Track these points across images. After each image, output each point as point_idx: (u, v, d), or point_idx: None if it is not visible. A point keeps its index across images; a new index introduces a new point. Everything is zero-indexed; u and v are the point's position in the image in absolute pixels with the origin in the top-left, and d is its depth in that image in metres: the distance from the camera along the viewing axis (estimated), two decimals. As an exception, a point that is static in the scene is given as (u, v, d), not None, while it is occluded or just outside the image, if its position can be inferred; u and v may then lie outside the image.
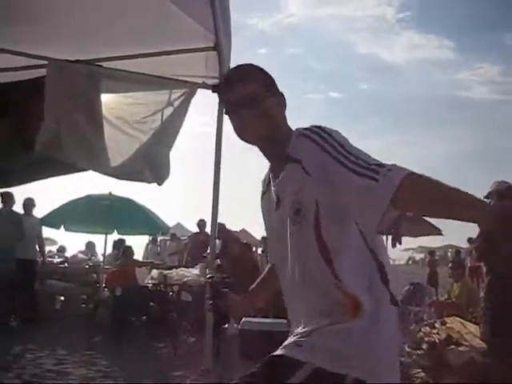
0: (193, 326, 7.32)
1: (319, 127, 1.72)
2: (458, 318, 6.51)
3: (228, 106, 1.81)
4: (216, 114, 3.39)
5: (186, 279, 8.18)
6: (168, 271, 8.89)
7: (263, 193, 1.99)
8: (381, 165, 1.58)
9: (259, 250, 19.16)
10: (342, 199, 1.63)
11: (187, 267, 9.14)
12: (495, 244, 4.14)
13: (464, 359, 5.29)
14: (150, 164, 3.40)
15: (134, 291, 8.33)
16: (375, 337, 1.69)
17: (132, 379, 5.63)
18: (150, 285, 8.86)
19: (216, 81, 3.37)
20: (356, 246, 1.72)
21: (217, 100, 3.37)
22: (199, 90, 3.51)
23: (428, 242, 31.19)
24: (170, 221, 14.24)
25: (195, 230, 12.07)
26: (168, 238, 16.04)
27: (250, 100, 1.76)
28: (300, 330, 1.80)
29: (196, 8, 3.00)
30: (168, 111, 3.48)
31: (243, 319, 6.88)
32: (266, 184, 1.95)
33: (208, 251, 11.28)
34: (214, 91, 3.39)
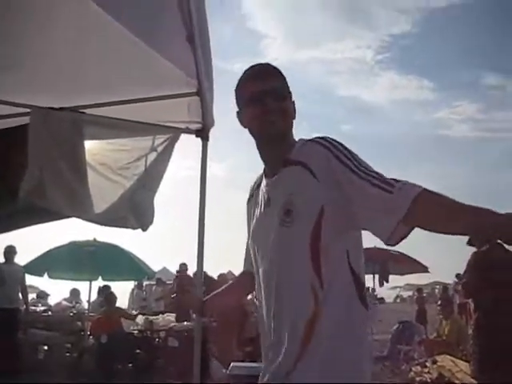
0: (181, 371, 7.17)
1: (329, 137, 1.74)
2: (448, 356, 6.48)
3: (254, 94, 1.81)
4: (200, 157, 3.40)
5: (172, 325, 8.06)
6: (154, 317, 8.77)
7: (250, 196, 2.01)
8: (394, 179, 1.58)
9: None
10: (350, 206, 1.62)
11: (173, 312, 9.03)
12: (483, 281, 4.16)
13: (456, 398, 5.23)
14: (134, 210, 3.39)
15: (119, 338, 8.19)
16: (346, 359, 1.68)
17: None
18: (135, 331, 8.72)
19: (199, 125, 3.39)
20: (343, 258, 1.72)
21: (200, 144, 3.40)
22: (183, 134, 3.53)
23: (415, 280, 31.08)
24: (155, 265, 14.14)
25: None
26: (154, 282, 15.87)
27: (279, 92, 1.81)
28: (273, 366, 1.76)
29: (177, 53, 3.04)
30: (152, 156, 3.49)
31: (232, 364, 6.76)
32: (255, 188, 1.97)
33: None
34: (197, 136, 3.41)
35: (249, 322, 9.56)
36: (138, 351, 8.38)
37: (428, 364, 6.43)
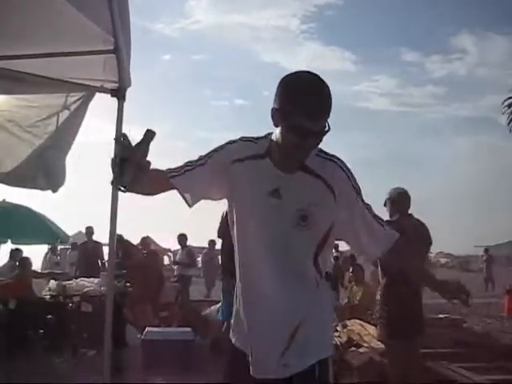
0: (94, 337, 7.06)
1: (345, 165, 2.03)
2: (358, 321, 6.75)
3: (299, 128, 1.81)
4: (115, 118, 3.29)
5: (86, 289, 7.89)
6: (67, 282, 8.54)
7: (240, 159, 2.03)
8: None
9: (165, 258, 18.94)
10: (351, 230, 2.07)
11: (87, 277, 8.84)
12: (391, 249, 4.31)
13: (363, 360, 5.48)
14: (44, 170, 3.24)
15: (30, 303, 7.92)
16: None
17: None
18: (47, 296, 8.47)
19: (115, 85, 3.27)
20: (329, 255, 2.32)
21: (116, 104, 3.28)
22: (97, 94, 3.40)
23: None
24: (71, 230, 13.75)
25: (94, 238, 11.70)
26: (69, 246, 15.46)
27: (322, 132, 1.86)
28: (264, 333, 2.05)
29: (94, 9, 2.90)
30: (64, 115, 3.34)
31: (146, 329, 6.74)
32: (249, 157, 2.02)
33: (105, 259, 11.05)
34: (113, 95, 3.29)
35: (165, 287, 9.54)
36: (49, 317, 8.15)
37: (339, 328, 6.68)
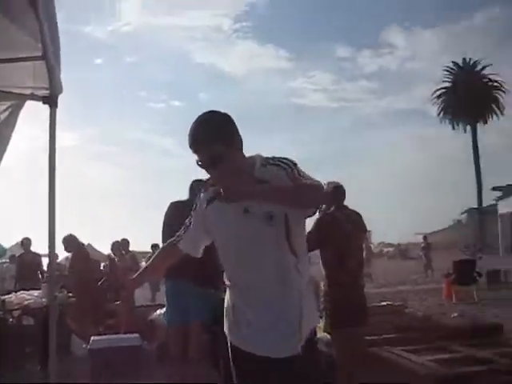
0: (38, 351, 6.88)
1: (283, 159, 2.31)
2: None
3: (198, 163, 2.23)
4: (48, 126, 3.23)
5: (26, 302, 7.68)
6: (7, 296, 8.28)
7: (207, 205, 2.43)
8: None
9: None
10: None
11: (27, 289, 8.59)
12: (327, 237, 4.42)
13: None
14: (-24, 182, 3.15)
15: (-32, 321, 7.63)
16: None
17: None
18: (-14, 313, 8.17)
19: (46, 92, 3.21)
20: (302, 235, 2.46)
21: (48, 112, 3.22)
22: (28, 101, 3.32)
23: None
24: (8, 242, 13.31)
25: (36, 249, 11.38)
26: (7, 260, 14.97)
27: (214, 160, 2.20)
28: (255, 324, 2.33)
29: (19, 15, 2.83)
30: (-6, 125, 3.25)
31: (92, 338, 6.61)
32: (207, 200, 2.41)
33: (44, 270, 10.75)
34: (44, 102, 3.23)
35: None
36: (-12, 333, 7.87)
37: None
